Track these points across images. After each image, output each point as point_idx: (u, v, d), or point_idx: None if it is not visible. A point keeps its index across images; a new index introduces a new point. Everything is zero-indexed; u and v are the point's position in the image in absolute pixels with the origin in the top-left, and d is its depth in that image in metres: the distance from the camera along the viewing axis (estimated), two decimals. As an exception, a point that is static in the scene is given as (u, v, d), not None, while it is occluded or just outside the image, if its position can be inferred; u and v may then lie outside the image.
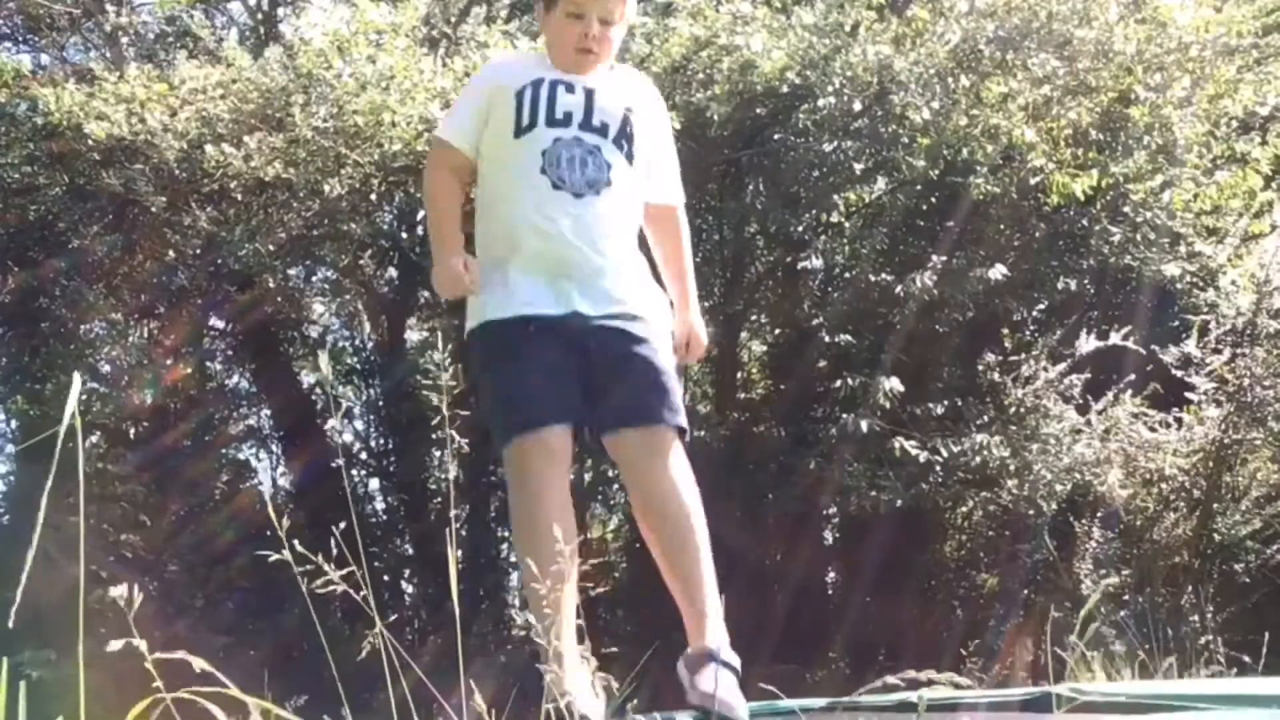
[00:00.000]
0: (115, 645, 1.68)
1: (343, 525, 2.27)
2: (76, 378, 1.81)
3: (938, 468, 7.75)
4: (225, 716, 1.70)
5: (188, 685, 1.78)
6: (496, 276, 2.53)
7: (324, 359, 2.33)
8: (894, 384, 7.62)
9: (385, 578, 11.14)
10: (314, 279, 11.36)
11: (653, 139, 2.71)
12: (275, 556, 2.14)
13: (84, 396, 9.33)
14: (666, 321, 2.66)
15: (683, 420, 2.55)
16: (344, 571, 2.24)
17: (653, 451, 2.48)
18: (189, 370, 10.77)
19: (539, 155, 2.49)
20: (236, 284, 9.64)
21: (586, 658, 2.33)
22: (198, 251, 8.88)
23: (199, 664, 1.67)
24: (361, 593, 2.17)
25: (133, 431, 10.02)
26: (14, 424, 10.77)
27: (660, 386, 2.51)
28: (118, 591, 1.66)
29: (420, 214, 9.58)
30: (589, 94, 2.60)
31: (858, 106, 7.86)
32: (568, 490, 2.51)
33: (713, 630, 2.46)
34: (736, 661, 2.47)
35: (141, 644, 1.67)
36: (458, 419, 2.35)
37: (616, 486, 10.28)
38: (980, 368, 7.99)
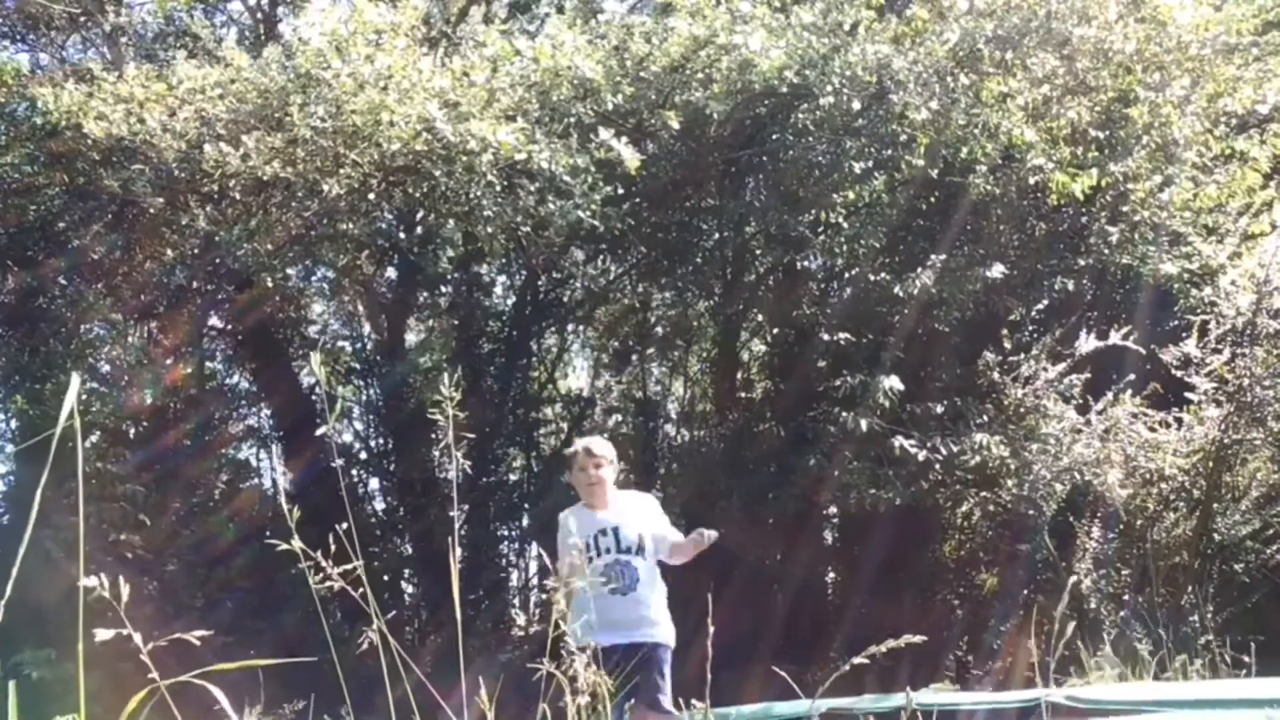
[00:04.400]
0: (105, 635, 1.68)
1: (344, 526, 2.27)
2: (75, 377, 1.80)
3: (937, 467, 7.76)
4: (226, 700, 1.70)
5: (189, 685, 1.78)
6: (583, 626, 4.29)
7: (316, 360, 2.33)
8: (893, 383, 7.62)
9: (385, 577, 11.14)
10: (313, 279, 11.37)
11: (652, 529, 4.76)
12: (283, 547, 2.14)
13: (84, 396, 9.33)
14: (671, 638, 4.68)
15: (668, 705, 4.55)
16: (344, 569, 2.24)
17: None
18: (189, 370, 10.76)
19: (600, 573, 4.50)
20: (235, 284, 9.64)
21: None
22: (196, 251, 8.88)
23: (197, 638, 1.66)
24: (360, 590, 2.17)
25: (133, 431, 10.01)
26: (14, 424, 10.76)
27: (659, 684, 4.55)
28: (90, 582, 1.66)
29: (419, 214, 9.58)
30: (615, 530, 4.70)
31: (857, 106, 7.85)
32: None
33: None
34: None
35: (136, 636, 1.66)
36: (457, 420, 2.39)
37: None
38: (980, 367, 7.99)
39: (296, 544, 2.08)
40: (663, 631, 4.71)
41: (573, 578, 4.13)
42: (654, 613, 4.71)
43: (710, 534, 4.79)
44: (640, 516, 4.84)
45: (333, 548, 2.23)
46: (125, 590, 1.65)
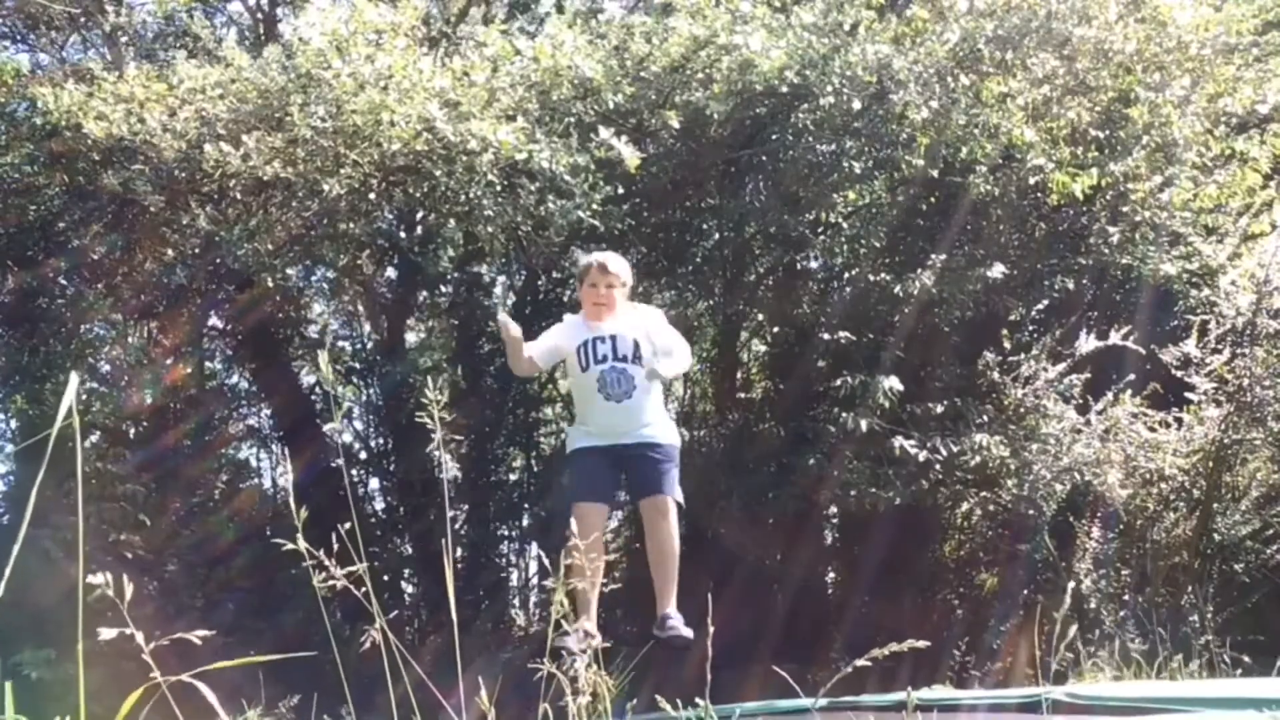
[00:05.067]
0: (108, 634, 1.68)
1: (345, 526, 2.27)
2: (74, 376, 1.80)
3: (937, 467, 7.75)
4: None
5: (189, 684, 1.78)
6: (580, 432, 4.70)
7: (324, 358, 2.34)
8: (893, 383, 7.62)
9: (385, 577, 11.14)
10: (313, 279, 11.36)
11: (653, 340, 4.57)
12: (281, 551, 2.15)
13: (83, 396, 9.33)
14: (673, 438, 4.66)
15: (678, 495, 4.55)
16: (346, 571, 2.24)
17: (656, 510, 4.53)
18: (189, 370, 10.76)
19: (595, 381, 4.54)
20: (236, 284, 9.63)
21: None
22: (197, 251, 8.88)
23: (199, 637, 1.66)
24: (362, 589, 2.17)
25: (133, 431, 10.01)
26: (14, 424, 10.76)
27: (664, 473, 4.53)
28: (95, 579, 1.66)
29: (419, 214, 9.58)
30: (613, 339, 4.56)
31: (857, 106, 7.85)
32: (601, 528, 4.51)
33: (667, 602, 4.51)
34: (680, 619, 4.47)
35: (138, 635, 1.67)
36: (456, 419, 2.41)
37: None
38: (980, 367, 7.99)
39: (301, 544, 2.08)
40: (662, 431, 4.62)
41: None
42: (650, 416, 4.59)
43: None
44: (639, 327, 4.63)
45: (334, 547, 2.23)
46: (129, 589, 1.65)
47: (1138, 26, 7.79)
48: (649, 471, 4.51)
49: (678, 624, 4.45)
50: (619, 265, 4.68)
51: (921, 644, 2.48)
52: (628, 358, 4.55)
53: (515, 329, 4.48)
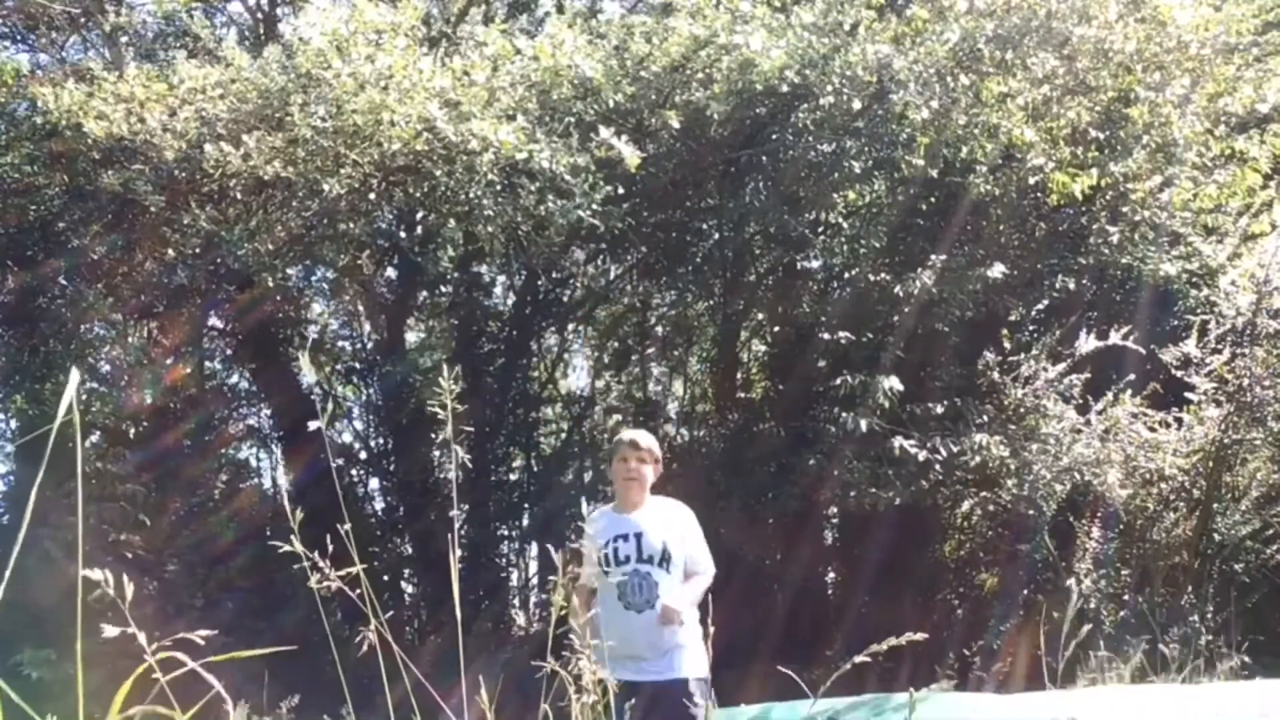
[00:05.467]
0: (111, 632, 1.68)
1: (345, 526, 2.27)
2: (74, 373, 1.80)
3: (937, 467, 7.75)
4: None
5: (187, 684, 1.78)
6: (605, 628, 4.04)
7: (304, 359, 2.34)
8: (893, 383, 7.62)
9: (385, 577, 11.14)
10: (313, 279, 11.37)
11: (683, 540, 4.35)
12: (285, 548, 2.15)
13: (83, 396, 9.33)
14: (704, 669, 4.10)
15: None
16: (344, 573, 2.24)
17: None
18: (189, 370, 10.76)
19: (615, 587, 4.20)
20: (236, 283, 9.63)
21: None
22: (197, 251, 8.87)
23: (200, 637, 1.66)
24: (357, 590, 2.17)
25: (133, 431, 10.01)
26: (14, 424, 10.76)
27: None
28: (94, 575, 1.66)
29: (419, 214, 9.58)
30: (638, 537, 4.29)
31: (857, 105, 7.85)
32: None
33: None
34: None
35: (140, 635, 1.66)
36: (458, 418, 2.40)
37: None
38: (980, 367, 7.99)
39: (296, 545, 2.08)
40: (689, 660, 4.19)
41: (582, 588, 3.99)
42: (678, 635, 4.19)
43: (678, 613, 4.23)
44: (670, 525, 4.43)
45: (331, 548, 2.23)
46: (130, 588, 1.65)
47: (1138, 26, 7.79)
48: (667, 703, 4.07)
49: None
50: (649, 441, 4.62)
51: (918, 636, 2.49)
52: (654, 559, 4.31)
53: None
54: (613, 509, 4.53)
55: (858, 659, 2.51)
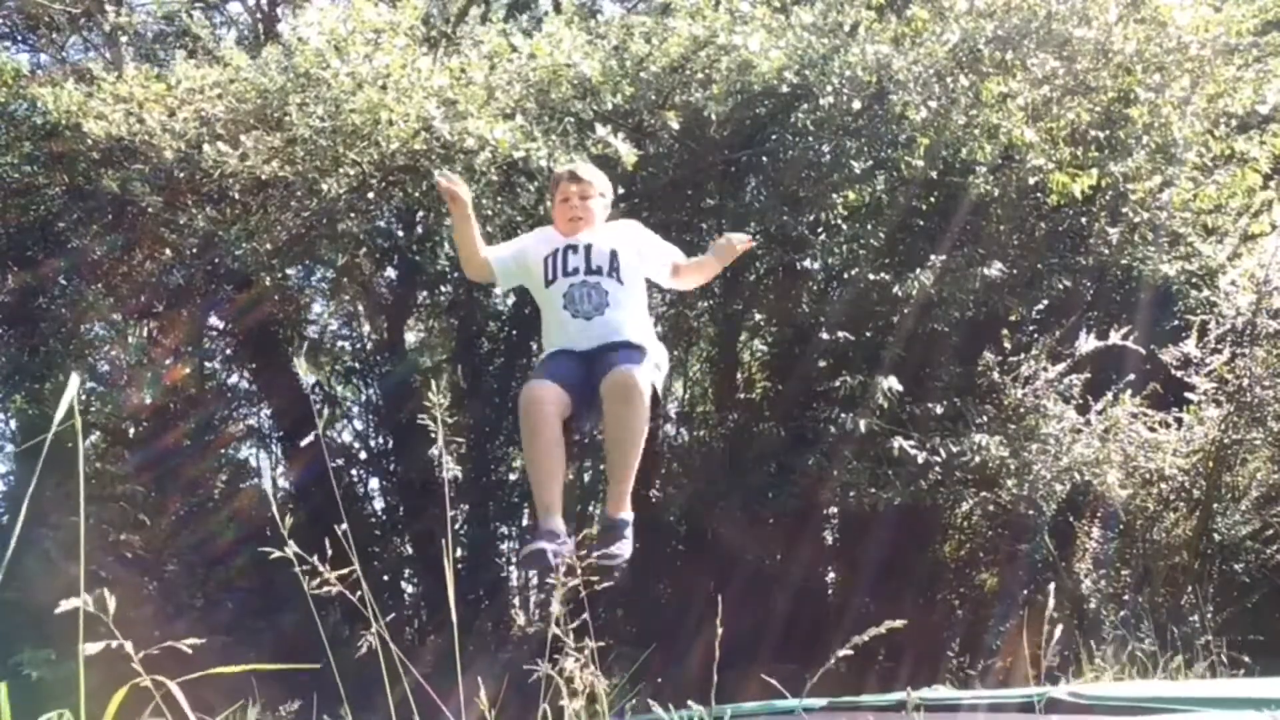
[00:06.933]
0: (94, 648, 1.67)
1: (343, 526, 2.27)
2: (74, 376, 1.80)
3: (937, 467, 7.75)
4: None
5: (186, 686, 1.78)
6: (549, 344, 3.96)
7: (301, 363, 2.34)
8: (893, 383, 7.62)
9: (385, 578, 11.14)
10: (312, 278, 11.37)
11: (637, 247, 3.94)
12: (277, 554, 2.15)
13: (83, 396, 9.33)
14: (652, 344, 3.83)
15: (646, 376, 3.62)
16: (341, 572, 2.24)
17: (617, 384, 3.56)
18: (189, 370, 10.76)
19: (561, 298, 3.82)
20: (235, 283, 9.64)
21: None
22: (196, 251, 8.88)
23: (190, 646, 1.66)
24: (358, 593, 2.17)
25: (132, 431, 10.02)
26: (14, 424, 10.76)
27: (632, 357, 3.64)
28: (74, 603, 1.65)
29: (418, 213, 9.58)
30: (586, 248, 3.85)
31: (857, 106, 7.85)
32: (556, 408, 3.66)
33: (618, 502, 3.72)
34: (630, 518, 3.69)
35: (127, 645, 1.66)
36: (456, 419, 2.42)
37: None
38: (980, 367, 7.99)
39: (291, 550, 2.07)
40: (639, 336, 3.79)
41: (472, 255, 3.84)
42: (629, 331, 3.77)
43: (741, 236, 4.00)
44: (621, 235, 3.96)
45: (330, 550, 2.23)
46: (112, 603, 1.64)
47: (1138, 27, 7.79)
48: (613, 358, 3.64)
49: (623, 539, 3.63)
50: (592, 172, 4.04)
51: (899, 623, 2.51)
52: (603, 270, 3.82)
53: (464, 191, 3.77)
54: (554, 230, 4.01)
55: (841, 652, 2.52)
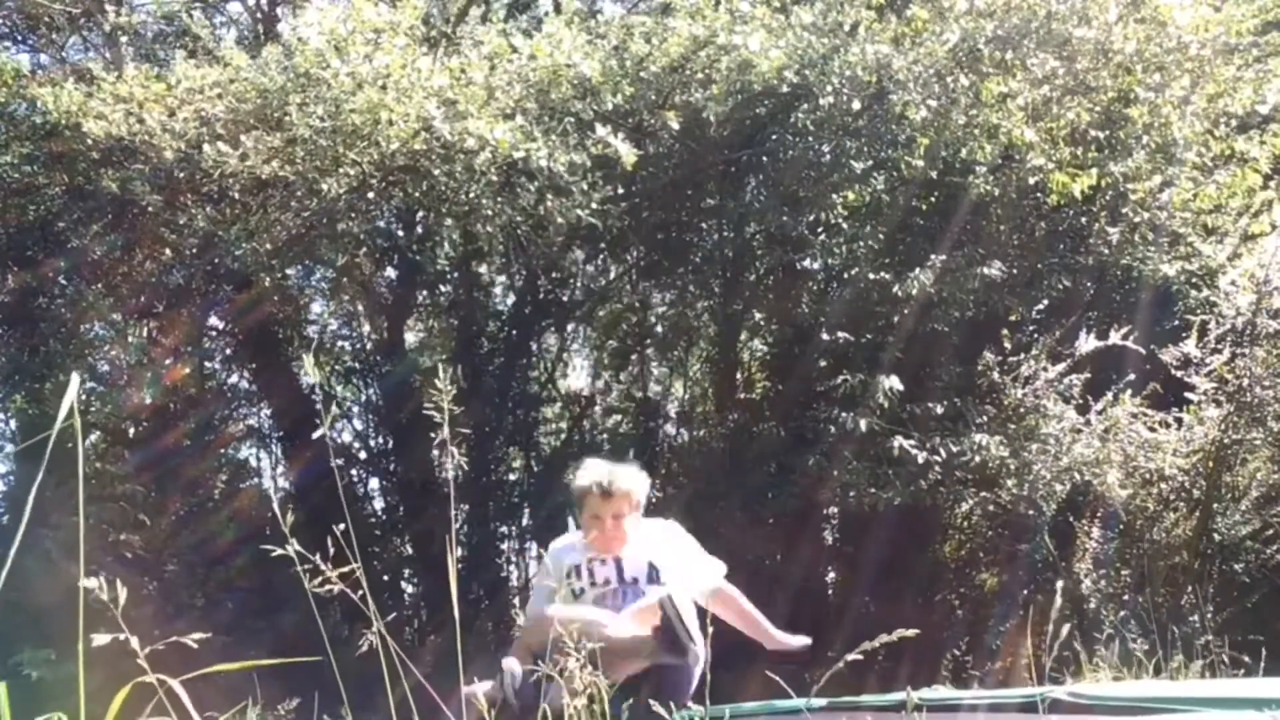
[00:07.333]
0: (102, 640, 1.67)
1: (342, 526, 2.27)
2: (75, 377, 1.80)
3: (937, 467, 7.75)
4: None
5: (187, 685, 1.78)
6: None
7: (309, 362, 2.35)
8: (893, 383, 7.62)
9: (385, 578, 11.14)
10: (312, 278, 11.36)
11: (679, 560, 3.65)
12: (278, 552, 2.15)
13: (83, 396, 9.33)
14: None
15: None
16: (341, 570, 2.24)
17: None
18: (189, 370, 10.75)
19: (592, 601, 3.46)
20: (235, 284, 9.64)
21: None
22: (196, 251, 8.88)
23: (192, 642, 1.66)
24: (359, 592, 2.17)
25: (132, 431, 10.01)
26: (14, 424, 10.76)
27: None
28: (90, 583, 1.65)
29: (418, 213, 9.58)
30: (618, 561, 3.54)
31: (856, 106, 7.85)
32: None
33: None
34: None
35: (133, 640, 1.66)
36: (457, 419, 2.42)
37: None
38: (980, 367, 7.99)
39: (292, 548, 2.08)
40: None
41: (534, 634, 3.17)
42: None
43: (800, 641, 3.90)
44: (658, 545, 3.69)
45: (332, 549, 2.23)
46: (123, 593, 1.64)
47: (1137, 27, 7.79)
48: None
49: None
50: (625, 484, 3.56)
51: (910, 632, 2.50)
52: (639, 580, 3.54)
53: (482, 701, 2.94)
54: (581, 540, 3.68)
55: (850, 657, 2.51)
